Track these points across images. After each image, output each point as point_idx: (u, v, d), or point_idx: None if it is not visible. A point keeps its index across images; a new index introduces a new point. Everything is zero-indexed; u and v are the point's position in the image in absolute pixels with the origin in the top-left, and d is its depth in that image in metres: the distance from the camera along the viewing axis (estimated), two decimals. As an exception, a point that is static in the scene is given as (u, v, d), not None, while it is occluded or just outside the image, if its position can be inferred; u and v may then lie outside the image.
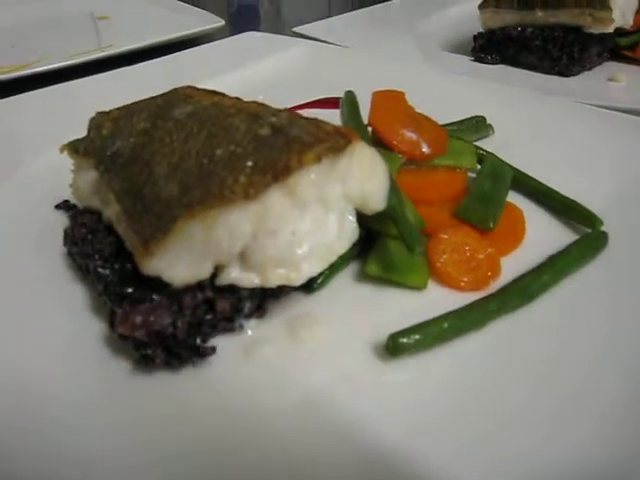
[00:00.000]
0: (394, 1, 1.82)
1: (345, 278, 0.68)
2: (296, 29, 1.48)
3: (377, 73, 1.18)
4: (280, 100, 1.08)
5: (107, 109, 0.71)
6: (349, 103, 0.77)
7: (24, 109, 1.11)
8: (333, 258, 0.58)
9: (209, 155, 0.52)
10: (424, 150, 0.77)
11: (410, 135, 0.77)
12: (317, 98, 1.12)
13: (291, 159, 0.49)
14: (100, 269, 0.56)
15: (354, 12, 1.68)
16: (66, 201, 0.79)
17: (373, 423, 0.51)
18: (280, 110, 0.58)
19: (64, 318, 0.63)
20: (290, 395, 0.54)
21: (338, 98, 0.86)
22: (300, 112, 1.05)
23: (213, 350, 0.56)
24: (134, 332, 0.50)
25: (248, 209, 0.49)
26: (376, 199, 0.59)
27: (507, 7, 1.31)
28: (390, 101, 0.80)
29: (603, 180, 0.84)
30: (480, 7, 1.35)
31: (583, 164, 0.88)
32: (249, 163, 0.49)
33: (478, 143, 0.94)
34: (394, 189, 0.64)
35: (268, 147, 0.51)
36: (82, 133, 0.69)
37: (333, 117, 0.78)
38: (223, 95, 0.65)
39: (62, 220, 0.73)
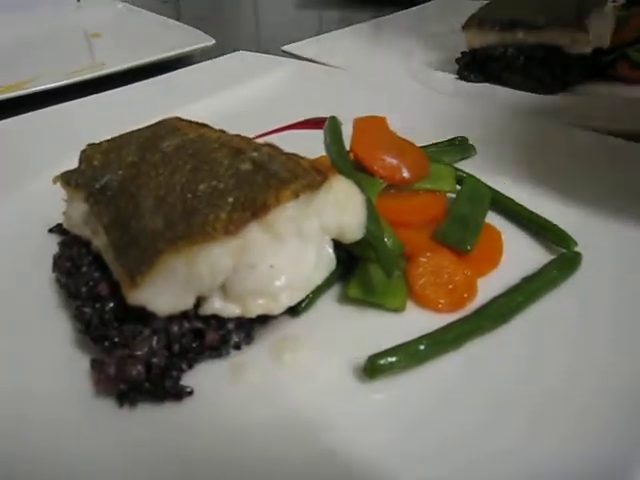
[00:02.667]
0: (383, 18, 1.84)
1: (329, 300, 0.70)
2: (285, 48, 1.51)
3: (364, 93, 1.21)
4: (268, 121, 1.13)
5: (102, 132, 0.73)
6: (331, 130, 0.79)
7: (21, 130, 1.13)
8: (311, 288, 0.60)
9: (193, 190, 0.55)
10: (404, 175, 0.79)
11: (391, 161, 0.79)
12: (305, 118, 1.15)
13: (269, 196, 0.52)
14: (82, 308, 0.58)
15: (343, 30, 1.71)
16: (59, 224, 0.79)
17: (353, 440, 0.53)
18: (262, 145, 0.61)
19: (48, 344, 0.63)
20: (274, 417, 0.56)
21: (324, 119, 0.86)
22: (288, 132, 1.12)
23: (190, 393, 0.57)
24: (110, 387, 0.52)
25: (228, 244, 0.52)
26: (353, 230, 0.61)
27: (489, 27, 1.33)
28: (371, 127, 0.82)
29: (582, 200, 0.86)
30: (464, 27, 1.38)
31: (563, 184, 0.90)
32: (230, 199, 0.52)
33: (461, 163, 0.96)
34: (373, 216, 0.66)
35: (248, 183, 0.54)
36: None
37: (320, 137, 0.81)
38: (208, 127, 0.68)
39: (55, 244, 0.73)
